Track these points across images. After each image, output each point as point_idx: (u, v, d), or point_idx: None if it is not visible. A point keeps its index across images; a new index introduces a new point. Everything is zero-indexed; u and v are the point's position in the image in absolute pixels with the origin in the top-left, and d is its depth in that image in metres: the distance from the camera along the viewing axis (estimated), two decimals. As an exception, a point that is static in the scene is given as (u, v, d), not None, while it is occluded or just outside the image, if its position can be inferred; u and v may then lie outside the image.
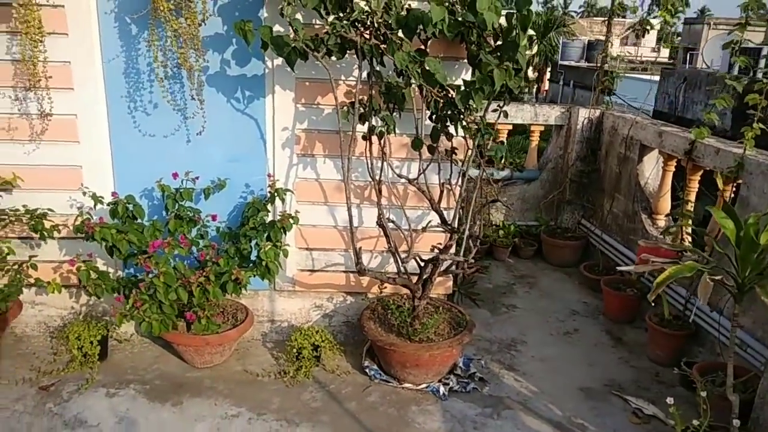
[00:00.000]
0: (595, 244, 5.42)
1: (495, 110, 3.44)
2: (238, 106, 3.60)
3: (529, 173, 6.07)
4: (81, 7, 3.32)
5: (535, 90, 41.46)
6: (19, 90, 3.38)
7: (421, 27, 3.00)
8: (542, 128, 6.09)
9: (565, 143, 5.88)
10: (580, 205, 5.79)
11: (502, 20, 3.10)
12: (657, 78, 14.57)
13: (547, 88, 41.73)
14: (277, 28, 3.31)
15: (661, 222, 4.70)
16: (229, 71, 3.52)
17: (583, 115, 5.66)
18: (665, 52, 43.19)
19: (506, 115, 3.39)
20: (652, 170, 4.92)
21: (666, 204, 4.64)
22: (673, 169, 4.54)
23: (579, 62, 32.39)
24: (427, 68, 2.91)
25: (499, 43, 3.10)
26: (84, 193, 3.44)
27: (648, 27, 5.75)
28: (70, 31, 3.35)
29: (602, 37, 6.29)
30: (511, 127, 6.04)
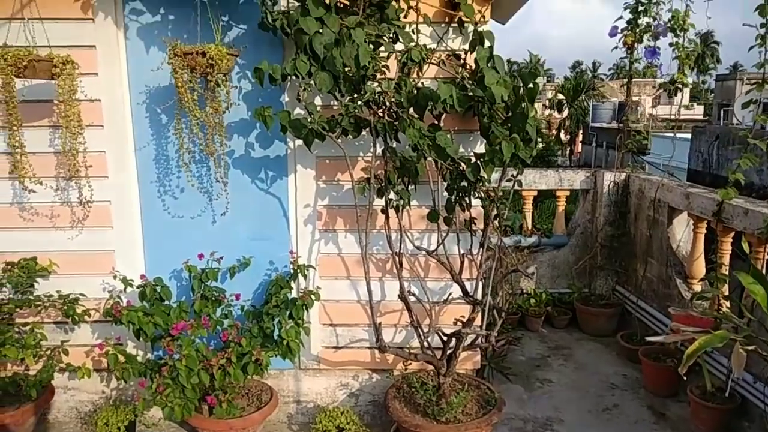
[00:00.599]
0: (632, 311, 5.22)
1: (510, 180, 3.46)
2: (262, 186, 3.72)
3: (557, 239, 5.98)
4: (116, 100, 3.56)
5: (567, 152, 41.57)
6: (60, 179, 3.59)
7: (431, 103, 3.11)
8: (568, 193, 6.06)
9: (592, 207, 5.82)
10: (612, 270, 5.64)
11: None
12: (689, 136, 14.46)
13: (579, 150, 41.75)
14: (297, 111, 3.48)
15: (697, 287, 4.52)
16: (253, 153, 3.68)
17: (609, 178, 5.62)
18: (700, 109, 42.91)
19: (520, 184, 3.41)
20: (683, 233, 4.79)
21: (700, 268, 4.48)
22: (704, 231, 4.41)
23: (610, 123, 32.46)
24: (439, 143, 2.97)
25: (509, 114, 3.16)
26: (115, 277, 3.55)
27: (679, 86, 5.77)
28: (106, 123, 3.58)
29: (634, 98, 6.33)
30: (536, 193, 6.03)
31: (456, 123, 3.54)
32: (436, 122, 3.37)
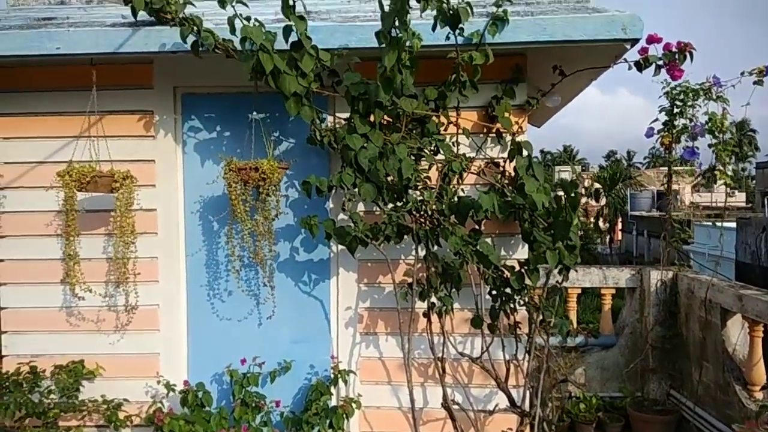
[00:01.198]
0: (689, 419, 4.91)
1: (555, 285, 3.43)
2: (305, 289, 3.78)
3: (605, 339, 5.78)
4: (171, 210, 3.75)
5: (608, 240, 40.91)
6: (110, 285, 3.74)
7: (473, 211, 3.18)
8: (614, 291, 5.92)
9: (640, 306, 5.65)
10: (666, 373, 5.36)
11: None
12: (734, 224, 14.11)
13: (620, 238, 41.06)
14: (341, 216, 3.60)
15: (758, 394, 4.25)
16: (297, 257, 3.77)
17: (656, 277, 5.49)
18: (741, 196, 42.07)
19: (566, 291, 3.37)
20: (738, 335, 4.58)
21: (760, 374, 4.23)
22: (761, 335, 4.21)
23: (650, 212, 32.06)
24: (481, 250, 3.01)
25: (551, 220, 3.19)
26: (158, 381, 3.58)
27: (718, 176, 5.73)
28: (160, 231, 3.76)
29: (673, 186, 6.29)
30: (579, 290, 5.91)
31: (497, 227, 3.59)
32: (477, 227, 3.42)
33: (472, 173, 3.45)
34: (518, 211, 3.28)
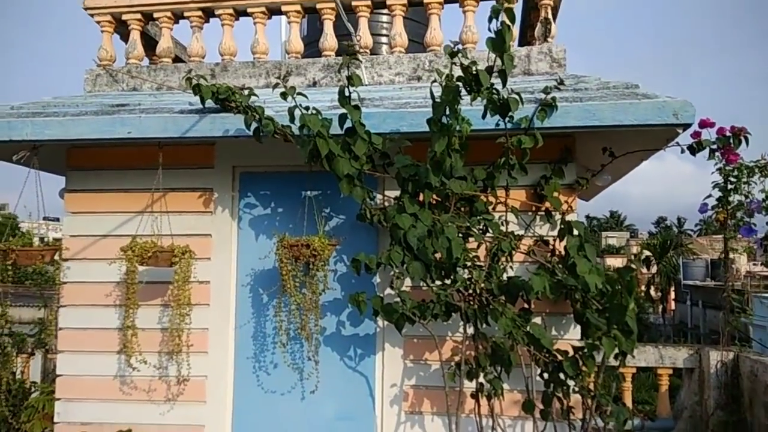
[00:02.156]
0: None
1: (611, 370, 3.31)
2: (350, 364, 3.77)
3: (663, 422, 5.47)
4: (224, 282, 3.87)
5: (660, 310, 39.17)
6: (163, 355, 3.82)
7: (523, 292, 3.15)
8: (671, 371, 5.64)
9: (699, 388, 5.35)
10: (731, 463, 5.00)
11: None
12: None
13: (673, 308, 39.29)
14: (388, 291, 3.62)
15: (841, 496, 3.90)
16: (343, 331, 3.79)
17: (715, 357, 5.23)
18: (804, 266, 39.92)
19: (623, 378, 3.24)
20: (812, 427, 4.26)
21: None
22: (839, 429, 3.91)
23: (704, 281, 30.70)
24: (533, 333, 2.96)
25: (605, 304, 3.12)
26: (203, 457, 3.59)
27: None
28: (212, 302, 3.86)
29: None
30: (634, 370, 5.66)
31: (547, 306, 3.53)
32: (526, 306, 3.38)
33: (521, 252, 3.44)
34: (570, 291, 3.23)
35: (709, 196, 5.23)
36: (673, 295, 38.05)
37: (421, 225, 3.14)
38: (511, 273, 3.47)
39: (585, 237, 3.30)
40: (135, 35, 4.27)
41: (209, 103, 3.33)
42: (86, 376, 3.89)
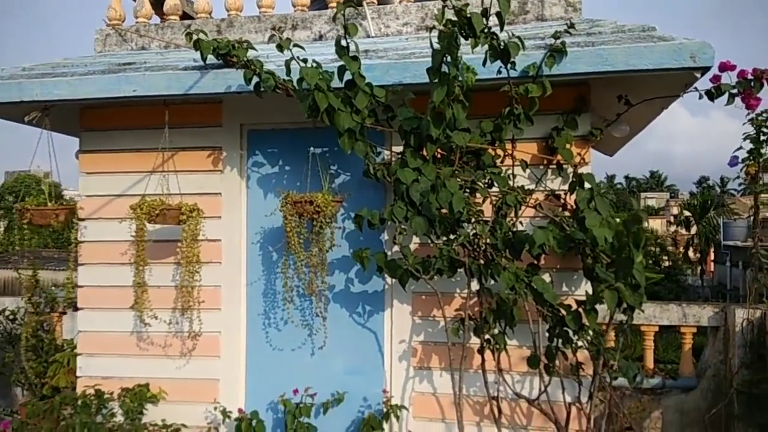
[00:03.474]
0: (783, 476, 4.43)
1: (620, 324, 3.24)
2: (359, 320, 3.78)
3: (685, 381, 5.37)
4: (234, 240, 3.90)
5: (699, 272, 38.27)
6: (176, 312, 3.90)
7: (528, 246, 3.07)
8: (695, 330, 5.50)
9: (724, 347, 5.22)
10: (755, 422, 4.89)
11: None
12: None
13: (712, 269, 38.34)
14: (395, 249, 3.60)
15: None
16: (352, 288, 3.79)
17: (741, 315, 5.07)
18: None
19: (640, 335, 3.16)
20: (839, 386, 4.11)
21: None
22: None
23: (746, 242, 29.75)
24: (536, 287, 2.89)
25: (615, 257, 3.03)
26: (215, 408, 3.68)
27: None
28: (224, 260, 3.90)
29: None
30: (657, 328, 5.54)
31: (558, 262, 3.45)
32: (535, 262, 3.31)
33: (530, 207, 3.35)
34: (580, 246, 3.14)
35: (740, 148, 4.99)
36: (712, 256, 37.10)
37: (425, 180, 3.07)
38: (521, 228, 3.39)
39: (596, 190, 3.18)
40: (142, -8, 4.24)
41: (213, 59, 3.29)
42: (105, 332, 4.02)
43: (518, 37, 2.76)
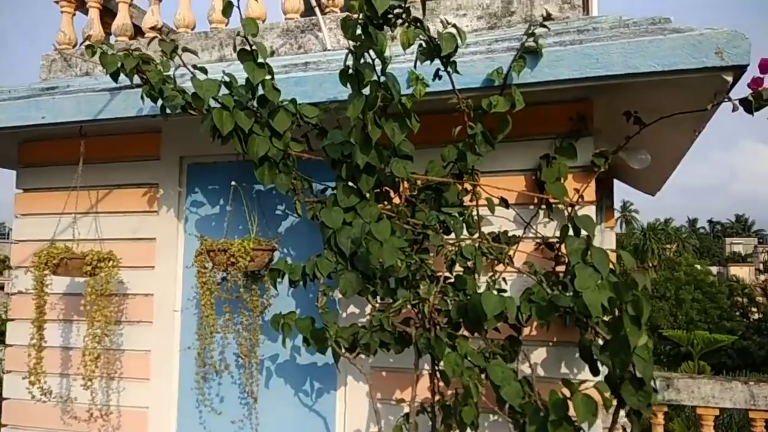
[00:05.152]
0: None
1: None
2: (306, 401, 3.03)
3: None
4: (168, 295, 3.28)
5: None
6: (102, 380, 3.29)
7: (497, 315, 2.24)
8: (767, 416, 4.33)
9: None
10: None
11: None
12: None
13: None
14: (352, 308, 2.87)
15: None
16: (299, 359, 3.06)
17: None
18: None
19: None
20: None
21: None
22: None
23: None
24: (492, 379, 2.05)
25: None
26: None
27: None
28: (156, 319, 3.29)
29: None
30: (717, 412, 4.40)
31: (555, 333, 2.60)
32: (515, 334, 2.47)
33: (494, 258, 2.53)
34: (566, 314, 2.30)
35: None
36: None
37: (360, 222, 2.34)
38: (504, 286, 2.58)
39: (593, 237, 2.34)
40: (93, 13, 3.82)
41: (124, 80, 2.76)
42: (29, 401, 3.45)
43: (454, 25, 2.02)
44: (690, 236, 60.98)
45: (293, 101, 2.46)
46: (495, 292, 2.17)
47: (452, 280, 2.42)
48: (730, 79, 2.09)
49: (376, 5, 1.78)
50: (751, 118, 2.08)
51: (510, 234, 2.67)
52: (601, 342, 2.18)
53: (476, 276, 2.39)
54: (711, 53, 2.04)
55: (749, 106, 2.04)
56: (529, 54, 2.27)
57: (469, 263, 2.34)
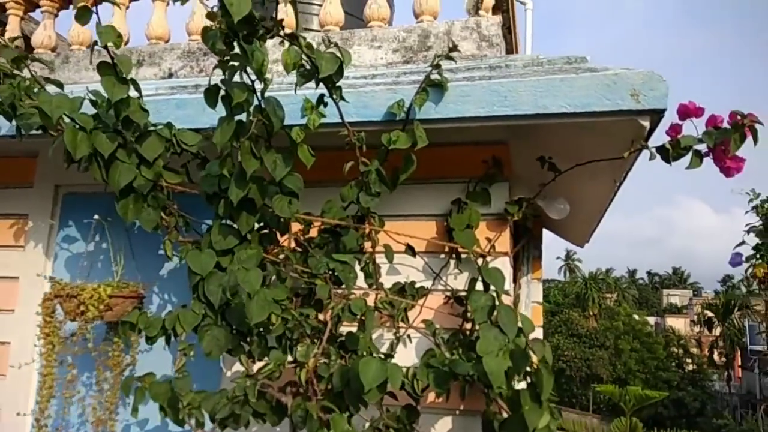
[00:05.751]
0: None
1: None
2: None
3: None
4: (28, 347, 2.80)
5: (726, 377, 35.63)
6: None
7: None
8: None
9: None
10: None
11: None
12: None
13: (740, 375, 35.77)
14: (237, 367, 2.48)
15: None
16: (172, 427, 2.62)
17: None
18: None
19: None
20: None
21: None
22: None
23: (770, 352, 27.48)
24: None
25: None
26: None
27: None
28: (10, 373, 2.80)
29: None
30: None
31: (462, 400, 2.28)
32: (413, 404, 2.14)
33: (387, 314, 2.23)
34: (465, 382, 2.00)
35: (742, 243, 3.87)
36: (738, 361, 34.62)
37: (237, 269, 1.99)
38: (409, 345, 2.27)
39: (501, 292, 2.08)
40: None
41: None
42: None
43: (336, 45, 1.76)
44: (629, 286, 62.84)
45: (168, 125, 2.14)
46: (380, 357, 1.84)
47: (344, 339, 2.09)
48: (647, 124, 1.90)
49: (231, 11, 1.50)
50: (687, 173, 1.90)
51: (418, 285, 2.40)
52: (499, 417, 1.88)
53: (370, 334, 2.07)
54: (626, 95, 1.86)
55: (666, 154, 1.85)
56: (434, 88, 2.04)
57: (353, 320, 2.01)
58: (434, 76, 2.05)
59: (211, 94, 1.79)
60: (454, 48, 2.04)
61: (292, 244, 2.25)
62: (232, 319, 1.99)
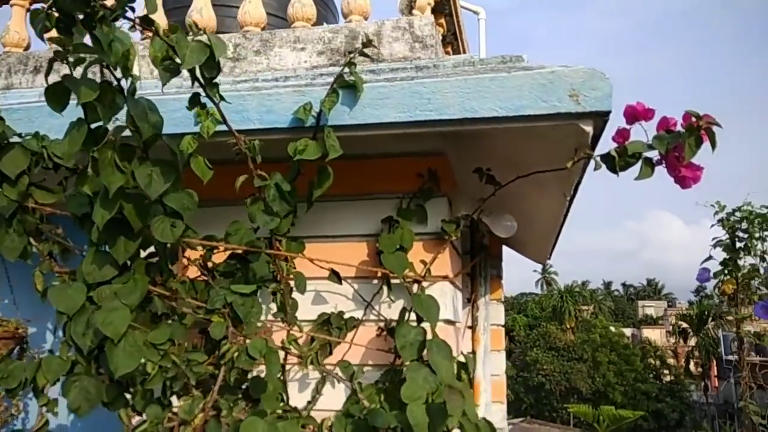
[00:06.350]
0: None
1: None
2: None
3: None
4: None
5: (702, 387, 35.78)
6: None
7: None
8: None
9: None
10: None
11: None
12: None
13: (716, 385, 35.99)
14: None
15: None
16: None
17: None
18: None
19: None
20: None
21: None
22: None
23: (748, 356, 27.68)
24: None
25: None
26: None
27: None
28: None
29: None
30: None
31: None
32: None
33: (294, 355, 1.92)
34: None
35: (709, 258, 3.64)
36: (715, 371, 34.81)
37: (98, 308, 1.65)
38: (336, 388, 1.96)
39: (434, 325, 1.79)
40: None
41: None
42: None
43: (205, 32, 1.46)
44: (605, 298, 63.15)
45: (37, 135, 1.81)
46: (286, 408, 1.53)
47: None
48: (589, 129, 1.64)
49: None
50: (660, 185, 1.63)
51: (347, 316, 2.10)
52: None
53: (275, 381, 1.75)
54: (564, 96, 1.59)
55: (612, 163, 1.58)
56: (346, 89, 1.75)
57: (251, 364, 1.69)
58: (349, 78, 1.77)
59: (55, 95, 1.47)
60: (368, 43, 1.77)
61: (194, 273, 1.93)
62: (106, 367, 1.65)
